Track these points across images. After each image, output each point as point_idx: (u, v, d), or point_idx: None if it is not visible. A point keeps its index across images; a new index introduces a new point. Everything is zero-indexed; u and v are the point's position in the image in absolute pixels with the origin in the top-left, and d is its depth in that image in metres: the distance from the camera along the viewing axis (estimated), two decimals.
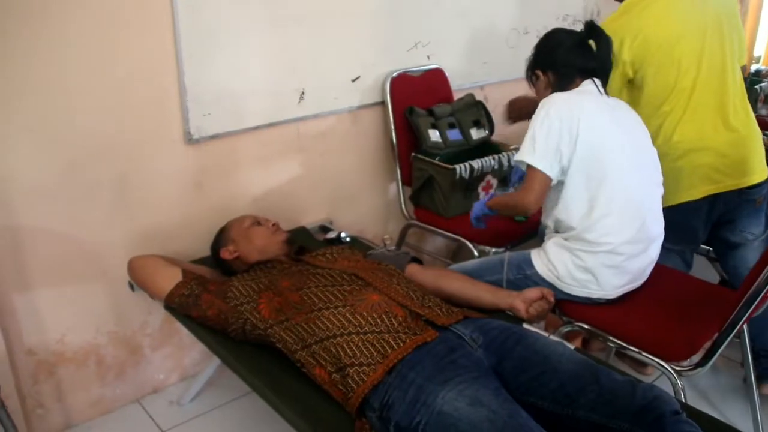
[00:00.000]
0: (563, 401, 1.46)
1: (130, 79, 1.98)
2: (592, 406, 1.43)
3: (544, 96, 2.02)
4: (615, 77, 2.15)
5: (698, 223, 2.21)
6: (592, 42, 2.01)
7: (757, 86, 4.28)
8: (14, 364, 1.97)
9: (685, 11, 2.15)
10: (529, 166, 1.90)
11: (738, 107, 2.18)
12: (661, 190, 2.02)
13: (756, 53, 5.50)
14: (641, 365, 2.40)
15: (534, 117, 1.92)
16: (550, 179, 1.90)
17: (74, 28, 1.83)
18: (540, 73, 2.08)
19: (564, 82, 2.02)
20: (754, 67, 5.27)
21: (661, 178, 2.02)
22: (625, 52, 2.12)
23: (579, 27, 2.08)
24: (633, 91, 2.21)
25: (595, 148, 1.87)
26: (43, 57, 1.80)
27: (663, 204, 2.04)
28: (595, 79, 2.00)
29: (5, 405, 1.54)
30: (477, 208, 2.19)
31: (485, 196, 2.31)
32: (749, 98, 2.36)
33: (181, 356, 2.41)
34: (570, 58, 2.01)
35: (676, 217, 2.13)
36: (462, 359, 1.49)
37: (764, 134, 2.87)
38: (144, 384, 2.34)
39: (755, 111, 4.12)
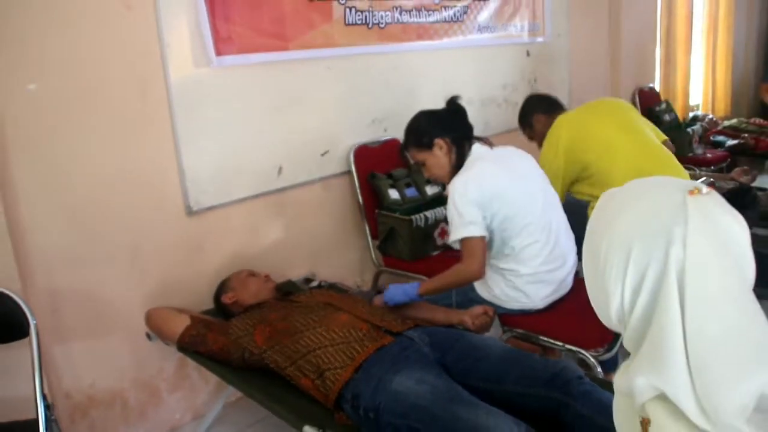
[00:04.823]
0: (493, 380, 1.87)
1: (138, 165, 2.43)
2: (516, 381, 1.84)
3: (443, 162, 2.33)
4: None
5: None
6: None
7: (689, 129, 4.76)
8: (56, 405, 2.32)
9: None
10: (463, 240, 2.20)
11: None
12: (560, 209, 2.44)
13: (692, 102, 6.10)
14: None
15: (450, 200, 2.22)
16: (484, 237, 2.22)
17: (95, 127, 2.31)
18: (440, 141, 2.32)
19: (461, 146, 2.33)
20: (691, 114, 5.85)
21: (557, 197, 2.45)
22: None
23: (518, 93, 2.49)
24: None
25: (504, 207, 2.23)
26: (71, 152, 2.27)
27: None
28: (477, 141, 2.36)
29: (58, 422, 1.93)
30: (397, 295, 2.29)
31: (411, 285, 2.33)
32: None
33: (194, 398, 2.77)
34: (456, 124, 2.36)
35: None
36: (412, 354, 1.90)
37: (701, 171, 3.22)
38: (163, 423, 2.69)
39: (690, 151, 4.58)
